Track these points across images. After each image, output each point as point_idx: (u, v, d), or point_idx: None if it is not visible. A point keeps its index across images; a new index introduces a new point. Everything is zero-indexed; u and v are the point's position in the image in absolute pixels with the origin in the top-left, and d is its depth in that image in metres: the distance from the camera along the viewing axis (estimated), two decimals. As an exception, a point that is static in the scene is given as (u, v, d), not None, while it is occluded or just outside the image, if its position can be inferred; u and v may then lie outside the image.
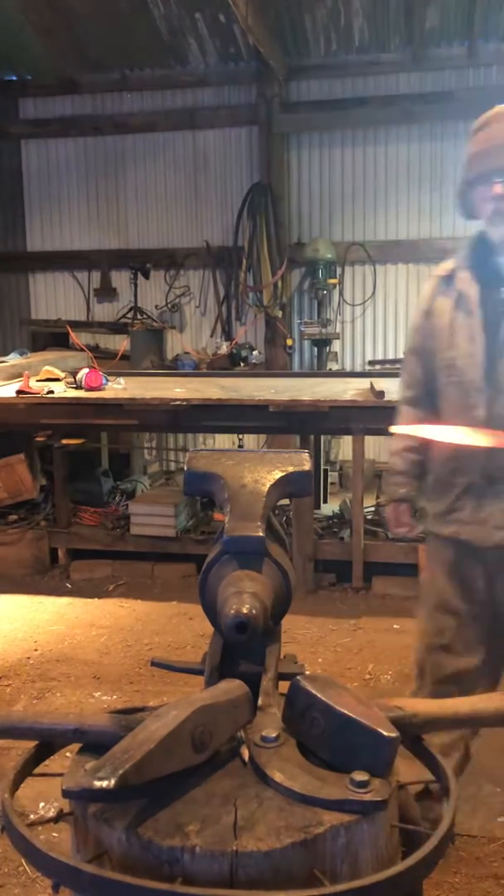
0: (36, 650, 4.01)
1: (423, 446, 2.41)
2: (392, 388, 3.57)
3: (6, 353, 5.97)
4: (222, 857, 0.88)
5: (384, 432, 2.63)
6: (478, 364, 2.16)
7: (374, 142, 6.48)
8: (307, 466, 1.24)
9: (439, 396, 2.30)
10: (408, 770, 1.09)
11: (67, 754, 1.11)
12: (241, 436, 5.85)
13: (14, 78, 7.17)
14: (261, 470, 1.23)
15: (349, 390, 4.54)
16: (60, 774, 1.04)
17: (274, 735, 1.02)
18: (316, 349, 6.43)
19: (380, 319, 6.62)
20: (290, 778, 0.96)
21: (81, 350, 5.85)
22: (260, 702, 1.09)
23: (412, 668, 2.39)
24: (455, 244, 2.30)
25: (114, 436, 5.64)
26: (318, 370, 6.17)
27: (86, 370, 4.79)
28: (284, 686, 1.08)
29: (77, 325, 6.59)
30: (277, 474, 1.21)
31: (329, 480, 5.57)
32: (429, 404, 2.35)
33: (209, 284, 6.82)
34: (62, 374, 5.00)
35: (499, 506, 2.18)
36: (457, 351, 2.19)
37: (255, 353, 6.39)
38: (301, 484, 1.24)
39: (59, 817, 1.04)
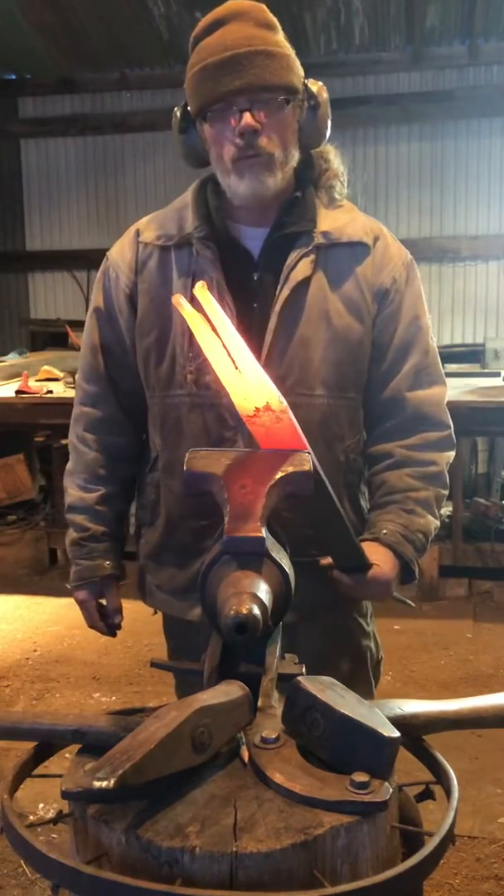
0: (35, 651, 4.01)
1: (120, 487, 1.74)
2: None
3: (5, 353, 5.98)
4: (222, 859, 0.88)
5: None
6: None
7: (374, 141, 6.49)
8: (307, 466, 1.24)
9: (156, 419, 1.67)
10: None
11: (67, 755, 1.11)
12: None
13: (13, 77, 7.17)
14: (260, 470, 1.22)
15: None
16: (60, 775, 1.04)
17: (274, 736, 1.02)
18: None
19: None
20: (290, 779, 0.96)
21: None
22: (260, 703, 1.08)
23: None
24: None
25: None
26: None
27: (85, 370, 4.78)
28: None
29: (76, 325, 6.58)
30: (277, 474, 1.21)
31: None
32: (115, 409, 1.73)
33: (209, 284, 6.83)
34: (61, 374, 5.00)
35: None
36: (203, 360, 1.44)
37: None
38: (301, 484, 1.24)
39: (59, 818, 1.04)
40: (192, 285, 1.51)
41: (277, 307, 1.56)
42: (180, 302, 1.25)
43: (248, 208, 1.59)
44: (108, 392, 1.73)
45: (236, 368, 1.22)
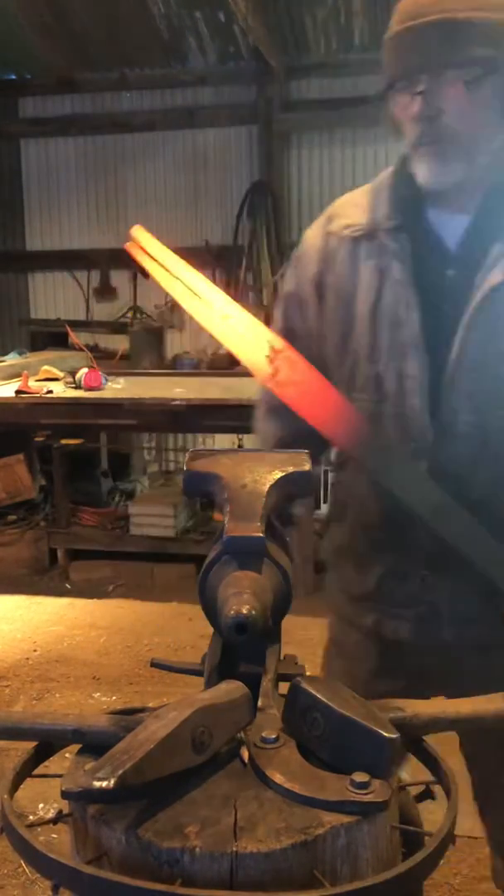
0: (35, 651, 4.01)
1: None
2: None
3: (5, 353, 5.96)
4: (222, 859, 0.88)
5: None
6: (419, 388, 1.42)
7: (375, 141, 6.48)
8: (307, 466, 1.24)
9: None
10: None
11: (67, 755, 1.11)
12: (241, 436, 5.85)
13: (13, 77, 7.17)
14: (261, 470, 1.22)
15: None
16: (60, 775, 1.03)
17: (274, 736, 1.02)
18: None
19: (379, 319, 6.64)
20: (290, 779, 0.96)
21: (81, 350, 5.85)
22: (260, 703, 1.08)
23: None
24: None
25: (113, 436, 5.64)
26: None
27: (85, 370, 4.78)
28: (284, 687, 1.08)
29: (76, 325, 6.58)
30: (277, 474, 1.21)
31: (330, 481, 5.55)
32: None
33: (209, 284, 6.83)
34: (61, 374, 5.00)
35: (449, 588, 1.46)
36: (385, 364, 1.44)
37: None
38: (301, 484, 1.23)
39: (59, 818, 1.04)
40: (381, 280, 1.44)
41: (467, 316, 1.38)
42: (134, 252, 1.17)
43: (443, 193, 1.41)
44: None
45: (222, 317, 1.18)
